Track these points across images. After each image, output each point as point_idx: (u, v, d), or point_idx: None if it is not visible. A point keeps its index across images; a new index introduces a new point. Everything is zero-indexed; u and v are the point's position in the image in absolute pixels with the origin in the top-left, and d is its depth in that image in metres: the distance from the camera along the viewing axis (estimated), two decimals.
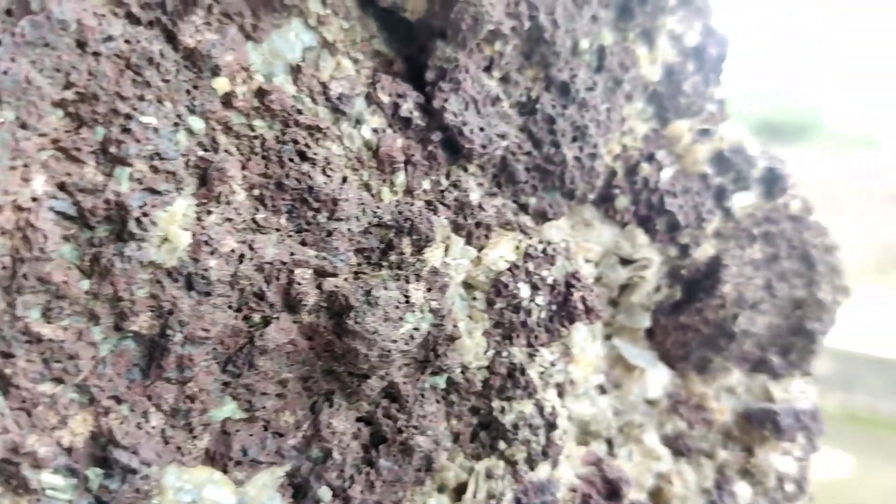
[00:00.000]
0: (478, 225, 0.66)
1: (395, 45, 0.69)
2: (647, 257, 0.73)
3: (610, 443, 0.75)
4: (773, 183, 0.79)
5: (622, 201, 0.73)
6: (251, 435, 0.62)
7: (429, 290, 0.64)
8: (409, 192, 0.65)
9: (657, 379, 0.78)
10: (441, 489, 0.67)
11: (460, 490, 0.67)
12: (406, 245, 0.64)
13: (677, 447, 0.78)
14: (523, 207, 0.70)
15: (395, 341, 0.62)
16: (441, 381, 0.66)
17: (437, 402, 0.66)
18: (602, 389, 0.75)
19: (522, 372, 0.67)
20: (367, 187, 0.65)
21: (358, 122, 0.65)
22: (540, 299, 0.67)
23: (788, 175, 0.79)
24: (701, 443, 0.79)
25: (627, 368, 0.77)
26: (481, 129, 0.66)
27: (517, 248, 0.68)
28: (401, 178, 0.65)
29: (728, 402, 0.80)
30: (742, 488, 0.79)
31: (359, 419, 0.65)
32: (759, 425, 0.79)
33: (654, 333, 0.78)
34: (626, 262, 0.73)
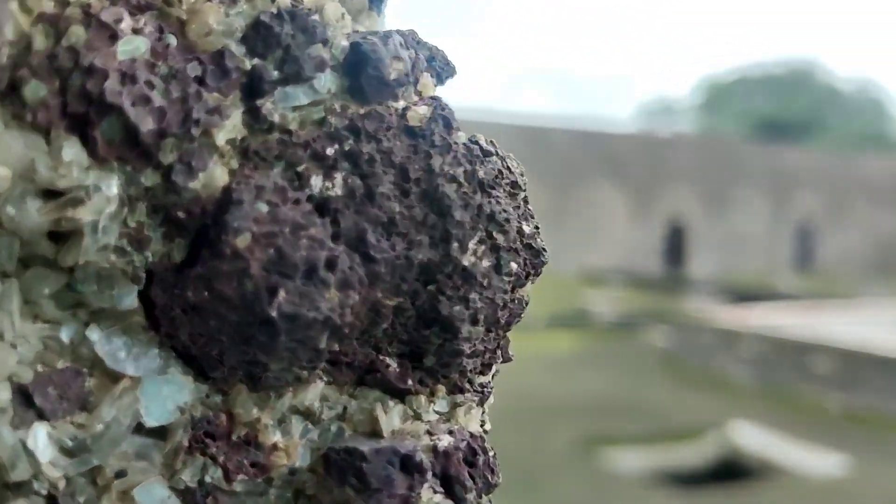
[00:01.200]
0: None
1: None
2: (86, 185, 0.42)
3: (54, 500, 0.44)
4: (359, 70, 0.47)
5: (35, 90, 0.42)
6: None
7: None
8: None
9: (166, 396, 0.47)
10: None
11: None
12: None
13: None
14: None
15: None
16: None
17: None
18: (39, 413, 0.44)
19: None
20: None
21: None
22: None
23: (385, 58, 0.47)
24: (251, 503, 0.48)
25: (110, 378, 0.46)
26: None
27: None
28: None
29: (302, 435, 0.49)
30: None
31: None
32: (338, 477, 0.47)
33: (158, 320, 0.47)
34: (50, 193, 0.42)
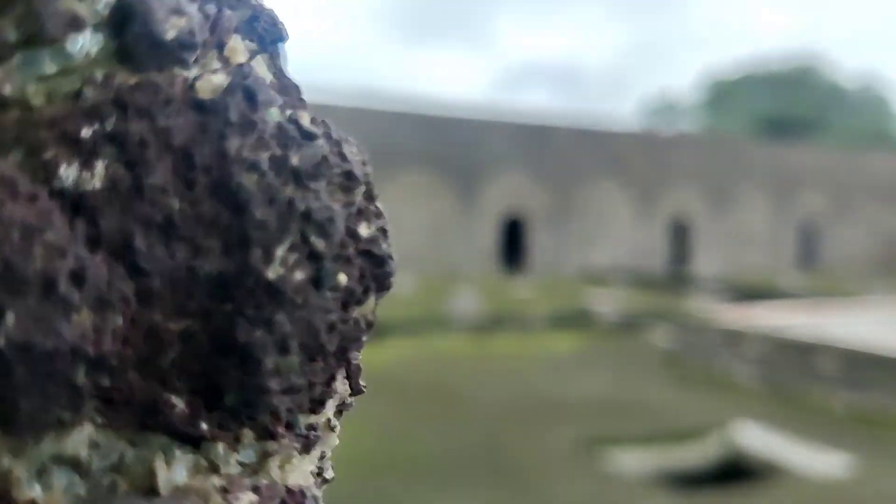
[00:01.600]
0: None
1: None
2: None
3: None
4: (123, 28, 0.37)
5: None
6: None
7: None
8: None
9: None
10: None
11: None
12: None
13: None
14: None
15: None
16: None
17: None
18: None
19: None
20: None
21: None
22: None
23: (158, 11, 0.37)
24: None
25: None
26: None
27: None
28: None
29: (67, 490, 0.39)
30: None
31: None
32: None
33: None
34: None
